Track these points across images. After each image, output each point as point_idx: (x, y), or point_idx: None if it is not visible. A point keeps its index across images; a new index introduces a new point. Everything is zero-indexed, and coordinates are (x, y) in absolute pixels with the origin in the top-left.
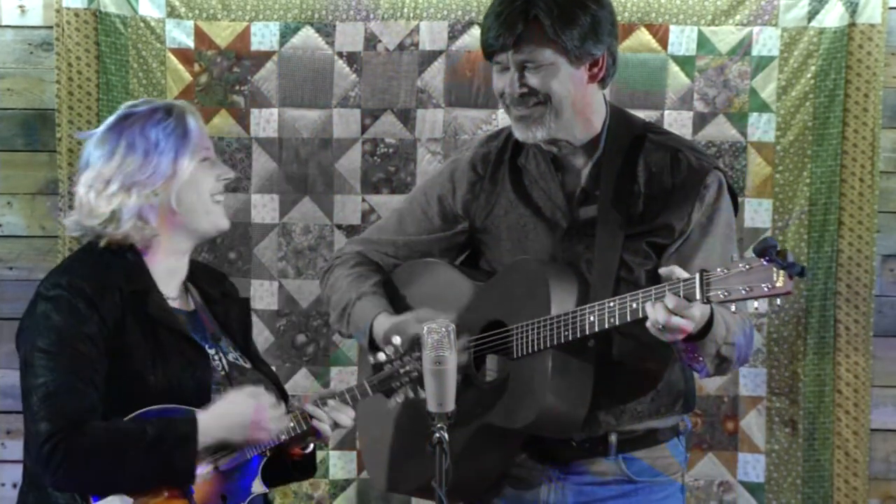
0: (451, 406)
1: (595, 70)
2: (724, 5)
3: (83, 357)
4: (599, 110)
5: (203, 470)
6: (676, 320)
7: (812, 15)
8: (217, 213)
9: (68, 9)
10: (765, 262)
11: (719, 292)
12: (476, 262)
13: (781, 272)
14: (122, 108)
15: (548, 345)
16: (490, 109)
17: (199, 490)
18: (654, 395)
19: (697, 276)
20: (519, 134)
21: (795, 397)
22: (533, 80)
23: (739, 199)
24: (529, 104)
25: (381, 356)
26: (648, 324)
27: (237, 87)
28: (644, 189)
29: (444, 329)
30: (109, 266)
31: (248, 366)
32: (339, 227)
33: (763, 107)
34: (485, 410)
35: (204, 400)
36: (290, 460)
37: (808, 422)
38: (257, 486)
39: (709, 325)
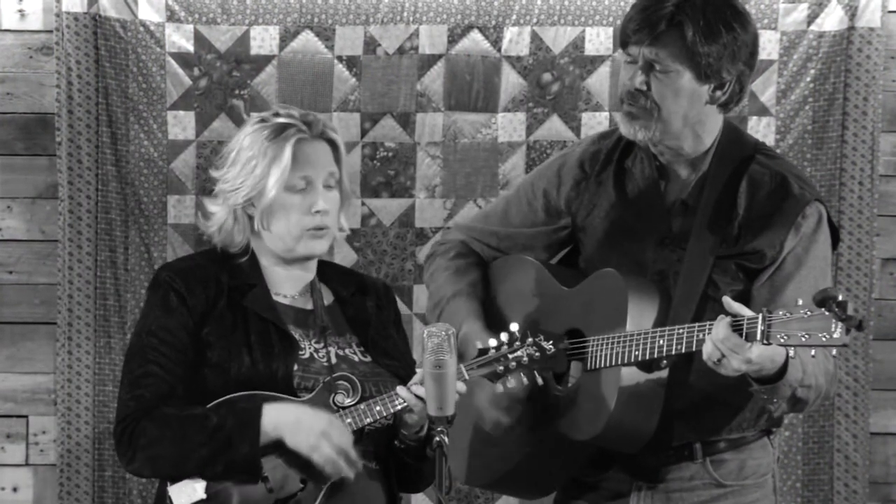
0: (451, 410)
1: (718, 93)
2: None
3: (168, 346)
4: (713, 129)
5: (282, 452)
6: (727, 361)
7: (811, 18)
8: (302, 242)
9: (68, 13)
10: (825, 312)
11: (779, 336)
12: (576, 260)
13: (840, 324)
14: (263, 114)
15: (620, 361)
16: (490, 113)
17: (276, 472)
18: (735, 410)
19: (760, 316)
20: (623, 128)
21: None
22: (654, 83)
23: None
24: (638, 103)
25: (492, 341)
26: (704, 357)
27: (237, 92)
28: (742, 211)
29: (444, 333)
30: (212, 262)
31: (366, 359)
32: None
33: (762, 110)
34: (554, 417)
35: (286, 388)
36: (410, 451)
37: (807, 425)
38: None
39: (784, 368)
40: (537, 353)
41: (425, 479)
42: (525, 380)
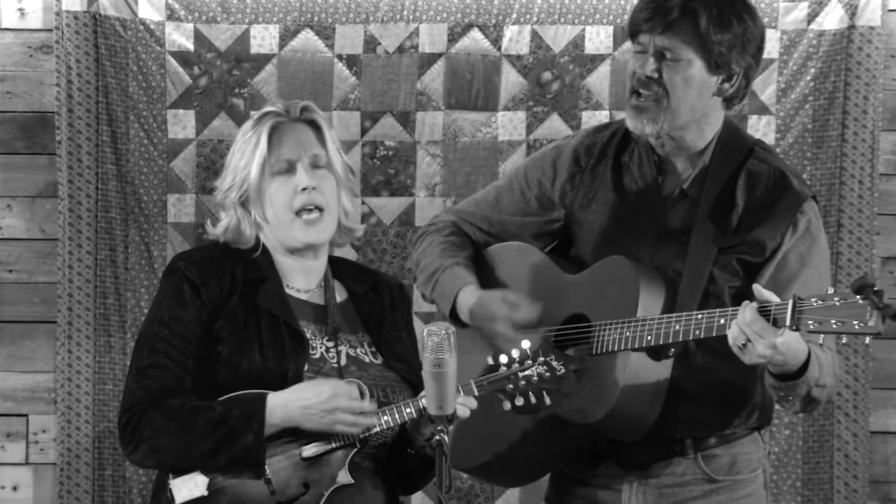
0: (450, 409)
1: (726, 86)
2: None
3: (179, 338)
4: (714, 124)
5: (285, 456)
6: (751, 346)
7: (812, 17)
8: (298, 227)
9: (68, 12)
10: (860, 300)
11: (810, 322)
12: (567, 253)
13: (875, 312)
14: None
15: (629, 346)
16: (490, 112)
17: (279, 475)
18: (728, 407)
19: (790, 301)
20: (630, 123)
21: None
22: (665, 71)
23: None
24: (649, 93)
25: (503, 358)
26: (730, 341)
27: (237, 90)
28: (741, 203)
29: (443, 331)
30: (227, 254)
31: (377, 361)
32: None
33: (762, 109)
34: None
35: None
36: (419, 458)
37: (807, 424)
38: (343, 477)
39: (805, 366)
40: (547, 373)
41: (426, 484)
42: (533, 399)
